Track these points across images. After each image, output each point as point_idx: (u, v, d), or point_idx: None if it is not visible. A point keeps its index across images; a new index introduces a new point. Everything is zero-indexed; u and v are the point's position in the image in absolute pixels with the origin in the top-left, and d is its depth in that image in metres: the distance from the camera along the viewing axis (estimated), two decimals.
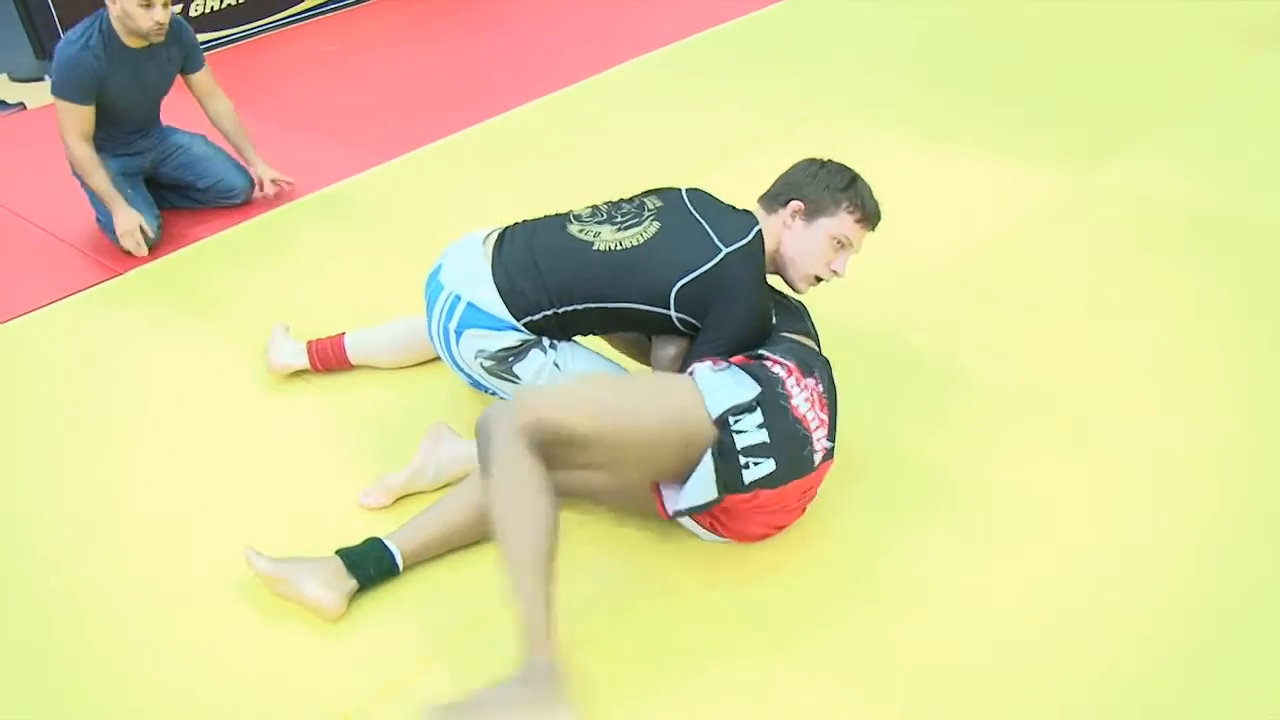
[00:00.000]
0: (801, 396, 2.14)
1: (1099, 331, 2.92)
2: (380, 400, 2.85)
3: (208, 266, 3.64)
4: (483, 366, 2.45)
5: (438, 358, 2.70)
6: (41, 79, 5.57)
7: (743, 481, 2.07)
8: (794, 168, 2.46)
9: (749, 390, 2.10)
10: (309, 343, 2.93)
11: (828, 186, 2.39)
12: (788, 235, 2.40)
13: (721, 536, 2.27)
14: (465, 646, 2.12)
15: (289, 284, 3.50)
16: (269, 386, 2.95)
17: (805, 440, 2.12)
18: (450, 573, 2.28)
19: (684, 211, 2.41)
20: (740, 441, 2.05)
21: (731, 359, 2.23)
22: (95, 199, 3.74)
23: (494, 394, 2.55)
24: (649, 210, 2.43)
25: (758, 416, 2.07)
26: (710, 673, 2.03)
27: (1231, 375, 2.72)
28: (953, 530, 2.30)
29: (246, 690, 2.07)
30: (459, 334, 2.44)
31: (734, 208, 2.46)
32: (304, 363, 2.92)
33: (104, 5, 3.52)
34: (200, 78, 3.87)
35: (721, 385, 2.11)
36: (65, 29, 5.20)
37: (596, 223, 2.43)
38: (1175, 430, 2.54)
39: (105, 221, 3.76)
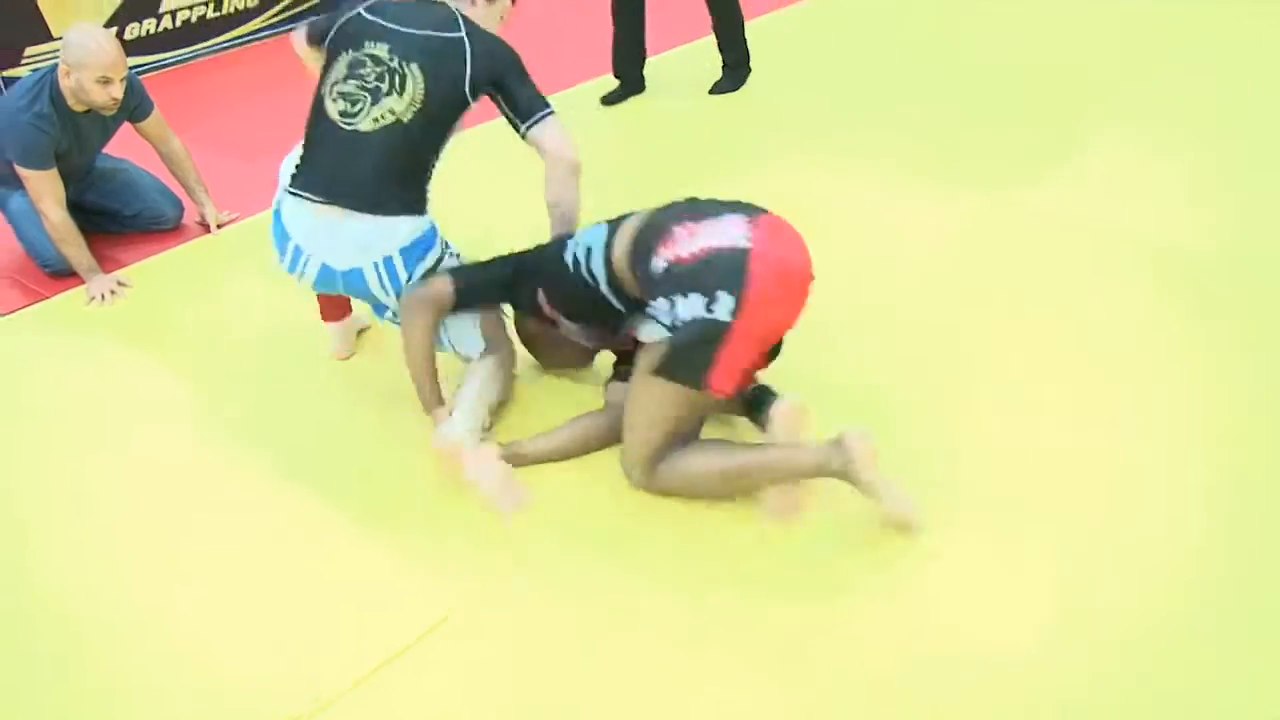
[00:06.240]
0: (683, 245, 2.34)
1: (1046, 351, 2.97)
2: (306, 416, 2.89)
3: (135, 293, 3.63)
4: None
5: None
6: None
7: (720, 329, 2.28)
8: None
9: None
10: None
11: None
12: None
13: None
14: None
15: (218, 311, 3.51)
16: (193, 411, 2.97)
17: (729, 256, 2.29)
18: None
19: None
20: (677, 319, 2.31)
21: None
22: (17, 221, 3.73)
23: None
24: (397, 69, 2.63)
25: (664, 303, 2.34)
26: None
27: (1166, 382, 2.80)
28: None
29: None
30: (412, 272, 2.67)
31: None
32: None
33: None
34: (150, 124, 3.83)
35: None
36: None
37: (363, 108, 2.61)
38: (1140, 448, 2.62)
39: (30, 246, 3.74)
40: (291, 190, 2.68)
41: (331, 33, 2.73)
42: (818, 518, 2.42)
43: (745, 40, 4.98)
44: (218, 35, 6.17)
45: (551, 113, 2.69)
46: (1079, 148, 4.16)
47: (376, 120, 2.59)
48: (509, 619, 2.23)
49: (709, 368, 2.29)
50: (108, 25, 5.53)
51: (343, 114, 2.63)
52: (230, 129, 4.96)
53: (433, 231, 2.71)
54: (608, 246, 2.50)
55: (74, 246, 3.59)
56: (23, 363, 3.29)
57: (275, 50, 6.17)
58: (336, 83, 2.66)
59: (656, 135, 4.65)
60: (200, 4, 6.04)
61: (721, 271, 2.27)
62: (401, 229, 2.63)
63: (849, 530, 2.39)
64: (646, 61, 5.02)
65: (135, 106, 3.74)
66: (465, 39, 2.65)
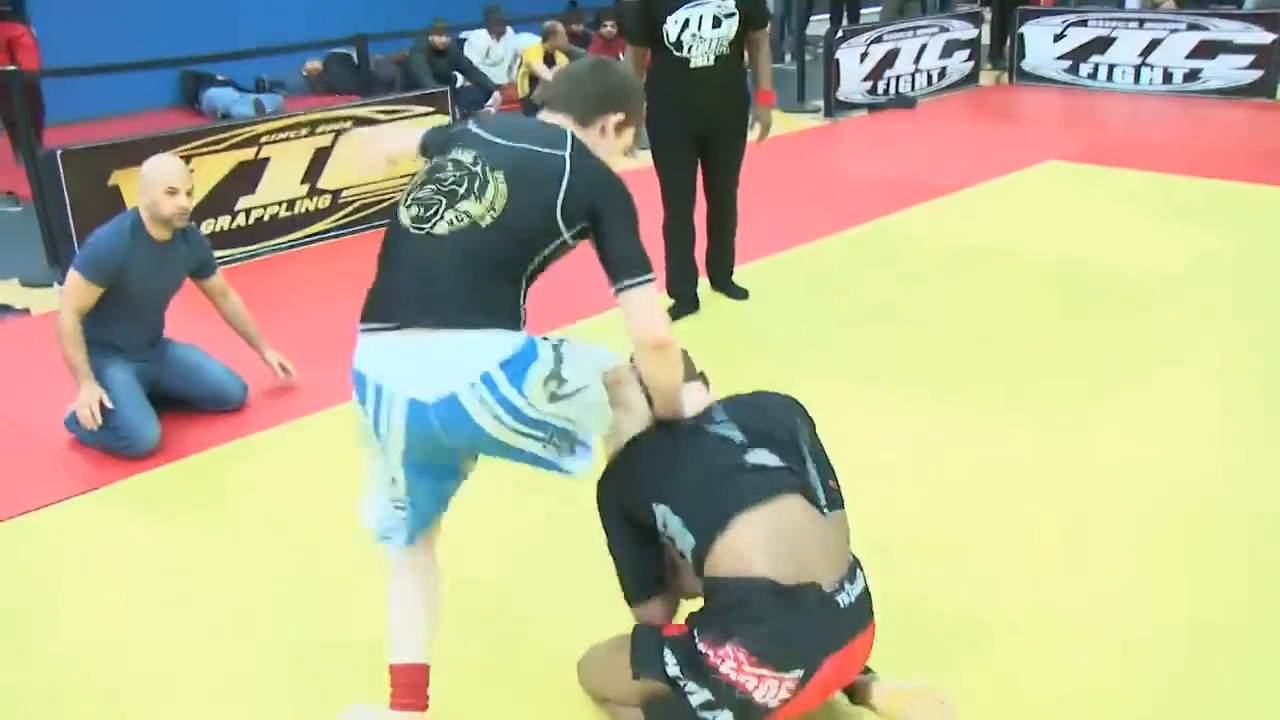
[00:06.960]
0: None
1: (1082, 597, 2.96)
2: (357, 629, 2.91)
3: (202, 480, 3.73)
4: (554, 396, 2.30)
5: None
6: (50, 285, 5.76)
7: None
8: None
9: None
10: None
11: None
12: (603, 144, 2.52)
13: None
14: None
15: (282, 506, 3.56)
16: (248, 605, 3.01)
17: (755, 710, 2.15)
18: None
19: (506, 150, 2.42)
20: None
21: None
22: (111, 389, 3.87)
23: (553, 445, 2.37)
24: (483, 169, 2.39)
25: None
26: None
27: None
28: None
29: None
30: (521, 388, 2.27)
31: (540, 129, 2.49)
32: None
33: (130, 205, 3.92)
34: (214, 281, 4.23)
35: None
36: (80, 237, 5.48)
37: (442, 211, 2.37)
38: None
39: (71, 419, 3.90)
40: (363, 328, 2.41)
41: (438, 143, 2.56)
42: None
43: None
44: (286, 234, 6.48)
45: (647, 280, 2.35)
46: (1112, 393, 4.21)
47: (452, 223, 2.33)
48: None
49: None
50: None
51: (415, 219, 2.37)
52: (293, 327, 5.01)
53: (531, 345, 2.31)
54: (699, 563, 2.28)
55: (76, 351, 3.82)
56: (74, 549, 3.35)
57: (340, 250, 6.43)
58: (413, 190, 2.43)
59: (712, 354, 4.69)
60: (273, 204, 6.37)
61: (739, 711, 2.16)
62: (497, 340, 2.28)
63: None
64: (699, 281, 5.19)
65: (202, 263, 4.14)
66: (566, 159, 2.37)
